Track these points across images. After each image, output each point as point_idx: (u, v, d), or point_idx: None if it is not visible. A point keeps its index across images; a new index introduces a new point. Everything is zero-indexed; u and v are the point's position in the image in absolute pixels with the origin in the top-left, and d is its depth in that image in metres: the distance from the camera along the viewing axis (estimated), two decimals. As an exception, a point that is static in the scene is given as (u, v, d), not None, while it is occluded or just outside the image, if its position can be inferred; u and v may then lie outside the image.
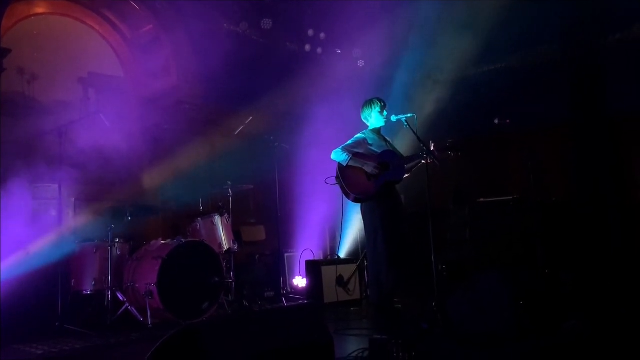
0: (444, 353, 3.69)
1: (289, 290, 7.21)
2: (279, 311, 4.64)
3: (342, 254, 7.29)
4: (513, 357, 3.71)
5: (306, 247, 7.43)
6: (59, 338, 4.85)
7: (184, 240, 5.59)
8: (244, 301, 6.21)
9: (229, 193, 6.65)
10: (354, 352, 3.70)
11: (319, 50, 9.18)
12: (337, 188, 5.48)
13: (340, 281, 6.32)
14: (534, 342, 3.93)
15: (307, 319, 2.82)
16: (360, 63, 9.51)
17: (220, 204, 6.50)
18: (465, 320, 4.31)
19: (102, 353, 4.46)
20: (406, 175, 5.34)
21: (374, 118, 5.44)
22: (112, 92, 7.46)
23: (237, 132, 7.24)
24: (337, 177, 5.36)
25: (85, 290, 5.48)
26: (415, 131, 5.07)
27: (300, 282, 7.30)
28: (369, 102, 5.49)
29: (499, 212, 7.45)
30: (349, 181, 5.27)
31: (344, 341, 4.35)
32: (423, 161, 5.08)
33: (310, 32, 8.95)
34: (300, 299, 6.81)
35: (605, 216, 8.02)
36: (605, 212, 8.03)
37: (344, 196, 5.42)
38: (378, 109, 5.40)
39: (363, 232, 6.28)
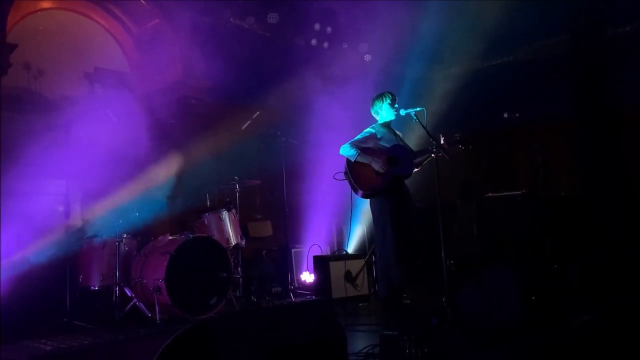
0: (456, 349, 3.67)
1: (297, 285, 7.18)
2: (291, 307, 4.62)
3: (350, 249, 7.27)
4: (523, 353, 3.68)
5: (313, 243, 7.41)
6: (67, 334, 4.84)
7: (191, 236, 5.58)
8: (252, 297, 6.20)
9: (236, 188, 6.63)
10: (365, 348, 3.68)
11: (326, 44, 9.15)
12: (345, 183, 5.45)
13: (349, 276, 6.29)
14: (543, 338, 3.91)
15: (320, 315, 2.79)
16: (367, 57, 9.46)
17: (228, 199, 6.48)
18: (475, 316, 4.29)
19: (111, 349, 4.46)
20: (415, 170, 5.30)
21: (384, 111, 5.41)
22: (118, 87, 7.44)
23: (244, 127, 7.20)
24: (345, 173, 5.33)
25: (93, 286, 5.46)
26: (425, 125, 5.03)
27: (307, 277, 7.28)
28: (379, 96, 5.46)
29: (507, 207, 7.42)
30: (358, 176, 5.24)
31: (354, 337, 4.32)
32: (433, 155, 5.04)
33: (317, 26, 8.91)
34: (307, 294, 6.79)
35: (612, 211, 7.98)
36: (612, 208, 7.98)
37: (352, 191, 5.39)
38: (389, 101, 5.36)
39: (370, 227, 6.27)
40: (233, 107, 7.98)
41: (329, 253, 7.64)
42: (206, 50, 7.61)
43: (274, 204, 7.89)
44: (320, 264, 6.44)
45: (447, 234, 5.00)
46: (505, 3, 8.06)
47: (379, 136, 5.32)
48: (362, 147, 5.27)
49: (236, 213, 6.39)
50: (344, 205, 7.32)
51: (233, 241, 6.16)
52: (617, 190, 8.16)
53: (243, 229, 6.64)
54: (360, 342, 3.94)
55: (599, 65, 8.39)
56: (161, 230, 6.19)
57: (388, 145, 5.27)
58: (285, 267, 7.09)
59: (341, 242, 8.12)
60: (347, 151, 5.28)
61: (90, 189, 6.26)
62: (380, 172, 5.16)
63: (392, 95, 5.41)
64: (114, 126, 6.29)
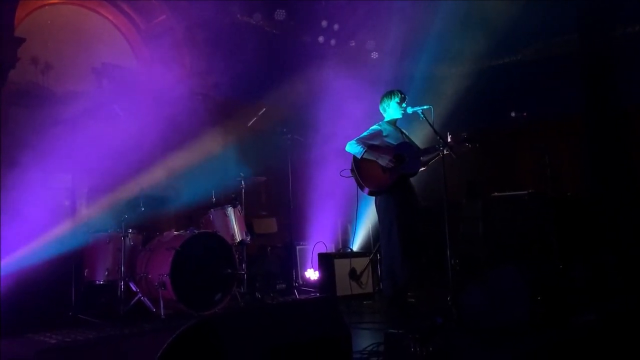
0: (460, 348, 3.66)
1: (301, 282, 7.18)
2: (296, 304, 4.61)
3: (355, 247, 7.26)
4: (528, 352, 3.67)
5: (318, 240, 7.40)
6: (72, 328, 4.87)
7: (197, 232, 5.59)
8: (256, 293, 6.21)
9: (242, 185, 6.64)
10: (369, 346, 3.66)
11: (333, 41, 9.14)
12: (350, 180, 5.44)
13: (353, 274, 6.29)
14: (548, 337, 3.90)
15: (325, 312, 2.79)
16: (374, 55, 9.45)
17: (233, 196, 6.49)
18: (480, 315, 4.28)
19: (116, 343, 4.47)
20: (422, 169, 5.28)
21: (392, 109, 5.37)
22: (125, 83, 7.44)
23: (250, 123, 7.21)
24: (352, 170, 5.31)
25: (99, 281, 5.48)
26: (432, 123, 5.01)
27: (312, 274, 7.28)
28: (389, 93, 5.43)
29: (513, 206, 7.39)
30: (364, 174, 5.22)
31: (358, 335, 4.31)
32: (440, 154, 5.02)
33: (324, 24, 8.90)
34: (312, 291, 6.79)
35: (618, 211, 7.94)
36: (618, 207, 7.94)
37: (358, 189, 5.38)
38: (397, 99, 5.33)
39: (376, 225, 6.25)
40: (239, 104, 7.98)
41: (333, 250, 7.63)
42: (213, 47, 7.61)
43: (279, 200, 7.89)
44: (325, 262, 6.44)
45: (452, 233, 4.98)
46: (512, 2, 8.03)
47: (385, 134, 5.30)
48: (368, 144, 5.25)
49: (241, 209, 6.40)
50: (349, 203, 7.31)
51: (238, 237, 6.17)
52: (623, 190, 8.11)
53: (248, 226, 6.64)
54: (364, 340, 3.93)
55: (607, 65, 8.34)
56: (166, 225, 6.21)
57: (394, 143, 5.25)
58: (290, 264, 7.09)
59: (346, 240, 8.11)
60: (353, 148, 5.26)
61: (96, 183, 6.28)
62: (387, 169, 5.14)
63: (401, 94, 5.37)
64: (121, 121, 6.30)
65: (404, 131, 5.48)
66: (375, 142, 5.26)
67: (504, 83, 9.08)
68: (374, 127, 5.38)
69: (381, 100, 5.48)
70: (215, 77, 7.86)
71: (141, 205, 5.65)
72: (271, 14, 8.51)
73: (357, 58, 9.19)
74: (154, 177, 6.39)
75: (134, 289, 5.43)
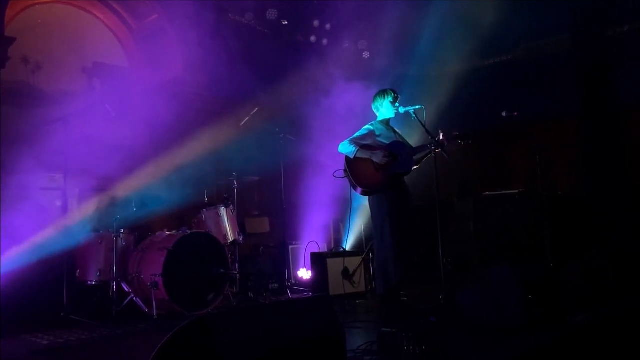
0: (454, 347, 3.67)
1: (294, 282, 7.18)
2: (289, 303, 4.61)
3: (348, 246, 7.27)
4: (520, 351, 3.68)
5: (311, 239, 7.40)
6: (64, 328, 4.84)
7: (189, 232, 5.59)
8: (249, 293, 6.20)
9: (234, 184, 6.63)
10: (363, 345, 3.67)
11: (325, 41, 9.14)
12: (343, 180, 5.44)
13: (346, 273, 6.29)
14: (540, 336, 3.91)
15: (318, 312, 2.79)
16: (366, 55, 9.46)
17: (226, 195, 6.48)
18: (472, 314, 4.30)
19: (108, 344, 4.44)
20: (415, 167, 5.30)
21: (385, 108, 5.38)
22: (116, 82, 7.42)
23: (243, 123, 7.20)
24: (345, 170, 5.31)
25: (91, 281, 5.46)
26: (424, 123, 5.02)
27: (304, 274, 7.27)
28: (382, 92, 5.42)
29: (504, 205, 7.42)
30: (357, 174, 5.22)
31: (351, 334, 4.30)
32: (432, 153, 5.03)
33: (316, 23, 8.91)
34: (304, 291, 6.80)
35: (611, 210, 7.98)
36: (611, 206, 7.98)
37: (351, 188, 5.38)
38: (390, 99, 5.33)
39: (368, 224, 6.26)
40: (232, 103, 7.96)
41: (326, 250, 7.63)
42: (205, 46, 7.60)
43: (272, 200, 7.88)
44: (318, 261, 6.44)
45: (444, 232, 5.00)
46: (504, 2, 8.06)
47: (377, 133, 5.30)
48: (360, 143, 5.25)
49: (234, 209, 6.40)
50: (341, 202, 7.32)
51: (231, 237, 6.17)
52: (617, 189, 8.15)
53: (241, 225, 6.65)
54: (357, 339, 3.93)
55: (600, 65, 8.37)
56: (159, 225, 6.19)
57: (387, 142, 5.26)
58: (283, 263, 7.09)
59: (339, 239, 8.11)
60: (345, 148, 5.26)
61: (88, 183, 6.25)
62: (379, 169, 5.14)
63: (394, 93, 5.36)
64: (113, 121, 6.27)
65: (397, 130, 5.49)
66: (368, 142, 5.26)
67: (496, 83, 9.11)
68: (367, 127, 5.38)
69: (374, 100, 5.48)
70: (207, 76, 7.85)
71: (133, 205, 5.63)
72: (263, 14, 8.51)
73: (349, 57, 9.19)
74: (146, 176, 6.37)
75: (126, 289, 5.40)
